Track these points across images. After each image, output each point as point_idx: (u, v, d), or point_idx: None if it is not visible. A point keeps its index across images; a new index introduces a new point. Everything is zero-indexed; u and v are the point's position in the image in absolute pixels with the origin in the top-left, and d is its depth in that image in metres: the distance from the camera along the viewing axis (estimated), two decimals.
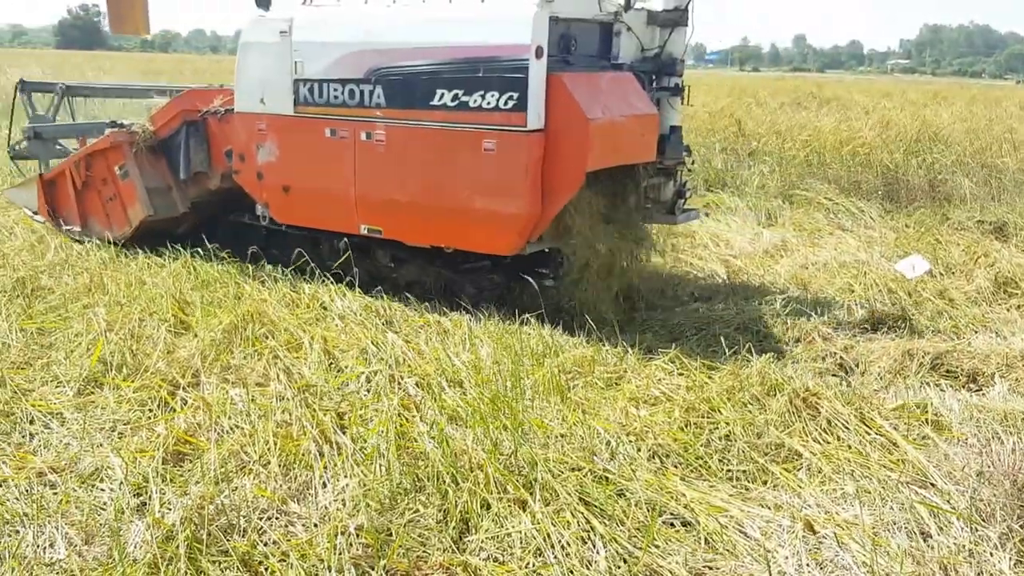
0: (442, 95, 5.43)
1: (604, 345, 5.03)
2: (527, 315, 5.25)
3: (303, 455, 3.68)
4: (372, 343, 4.83)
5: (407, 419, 3.98)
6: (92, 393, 4.34)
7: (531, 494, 3.33)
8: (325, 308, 5.47)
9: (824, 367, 4.94)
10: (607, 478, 3.51)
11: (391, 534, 3.17)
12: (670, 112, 6.14)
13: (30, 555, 2.97)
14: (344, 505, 3.34)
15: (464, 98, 5.36)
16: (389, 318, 5.36)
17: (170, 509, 3.24)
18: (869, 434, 3.98)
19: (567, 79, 5.25)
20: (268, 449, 3.71)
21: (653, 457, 3.78)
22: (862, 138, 11.87)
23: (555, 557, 3.03)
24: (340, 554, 3.03)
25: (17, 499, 3.32)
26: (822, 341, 5.26)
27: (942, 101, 21.40)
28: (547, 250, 6.05)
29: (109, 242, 6.91)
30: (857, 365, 4.95)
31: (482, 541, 3.14)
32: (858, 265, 6.95)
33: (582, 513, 3.24)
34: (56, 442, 3.86)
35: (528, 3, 5.18)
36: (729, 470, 3.73)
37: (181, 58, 55.70)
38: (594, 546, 3.10)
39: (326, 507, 3.35)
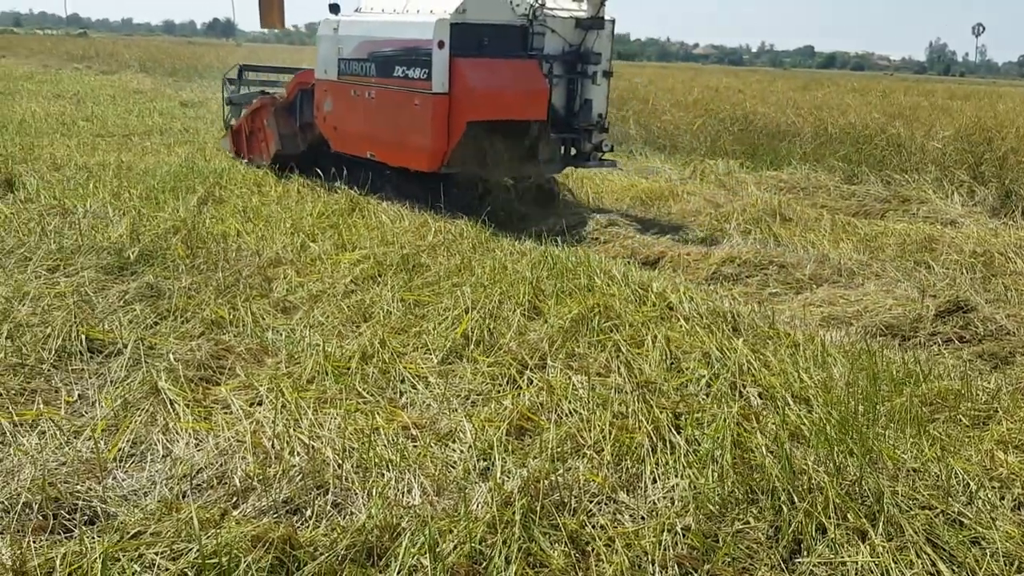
0: (397, 70, 8.48)
1: (974, 380, 4.53)
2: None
3: (636, 448, 3.73)
4: (716, 348, 4.76)
5: (746, 429, 3.87)
6: (453, 363, 4.73)
7: (873, 526, 3.09)
8: (671, 308, 5.48)
9: None
10: (961, 522, 3.16)
11: (718, 540, 3.12)
12: (583, 89, 8.93)
13: (391, 496, 3.32)
14: (672, 504, 3.34)
15: (407, 72, 8.37)
16: (736, 324, 5.26)
17: (509, 477, 3.45)
18: None
19: (462, 62, 8.09)
20: (603, 437, 3.81)
21: (1019, 508, 3.35)
22: None
23: None
24: (665, 550, 3.04)
25: (385, 447, 3.72)
26: None
27: None
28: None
29: (259, 167, 10.21)
30: None
31: (813, 565, 2.98)
32: None
33: (928, 555, 2.96)
34: (420, 402, 4.28)
35: (441, 14, 8.11)
36: None
37: None
38: None
39: (654, 502, 3.37)
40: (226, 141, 11.56)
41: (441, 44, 8.00)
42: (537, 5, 8.62)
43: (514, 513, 3.13)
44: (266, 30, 12.47)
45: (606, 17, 8.84)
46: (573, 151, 9.18)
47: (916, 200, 10.38)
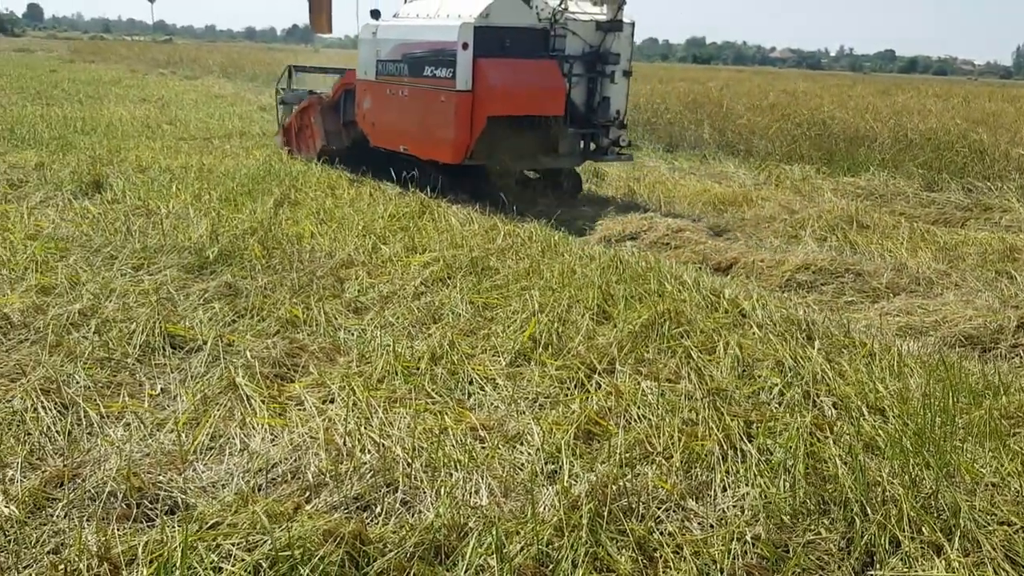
0: (427, 69, 9.28)
1: None
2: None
3: (706, 455, 3.70)
4: (790, 356, 4.69)
5: (819, 439, 3.81)
6: (521, 365, 4.75)
7: (948, 540, 3.01)
8: (744, 315, 5.42)
9: None
10: None
11: (788, 551, 3.07)
12: (602, 88, 9.59)
13: (459, 496, 3.36)
14: (742, 512, 3.30)
15: (435, 71, 9.15)
16: (811, 333, 5.17)
17: (576, 481, 3.45)
18: None
19: (484, 62, 8.83)
20: (672, 444, 3.78)
21: None
22: None
23: None
24: (734, 559, 3.01)
25: (453, 447, 3.77)
26: None
27: None
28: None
29: (307, 160, 10.92)
30: None
31: None
32: None
33: (1006, 571, 2.88)
34: (488, 404, 4.31)
35: (466, 18, 8.86)
36: None
37: None
38: None
39: (724, 511, 3.34)
40: (278, 138, 12.45)
41: (465, 45, 8.80)
42: (559, 9, 9.28)
43: (581, 517, 3.14)
44: (335, 35, 13.22)
45: (625, 20, 9.46)
46: (592, 146, 9.86)
47: (999, 208, 10.08)
